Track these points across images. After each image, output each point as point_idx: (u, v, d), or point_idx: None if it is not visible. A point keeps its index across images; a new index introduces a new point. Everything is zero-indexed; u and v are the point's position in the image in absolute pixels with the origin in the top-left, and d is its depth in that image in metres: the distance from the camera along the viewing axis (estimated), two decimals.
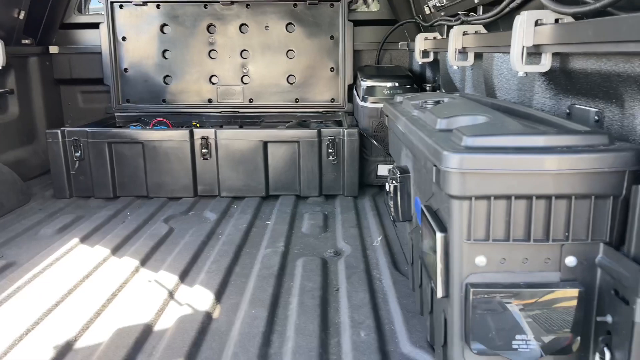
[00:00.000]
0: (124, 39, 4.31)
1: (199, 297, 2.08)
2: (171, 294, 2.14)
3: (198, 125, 4.25)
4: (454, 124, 1.44)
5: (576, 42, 1.42)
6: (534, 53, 1.68)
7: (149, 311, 1.96)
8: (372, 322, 1.87)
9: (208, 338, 1.82)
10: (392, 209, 1.87)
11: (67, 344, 1.76)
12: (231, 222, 3.02)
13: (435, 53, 3.55)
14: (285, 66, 4.38)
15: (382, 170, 3.68)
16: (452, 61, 2.57)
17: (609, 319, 1.23)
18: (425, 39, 3.53)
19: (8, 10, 3.80)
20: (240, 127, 4.31)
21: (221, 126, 4.22)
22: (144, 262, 2.47)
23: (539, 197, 1.20)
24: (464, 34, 2.52)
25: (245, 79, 4.41)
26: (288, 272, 2.35)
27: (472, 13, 2.57)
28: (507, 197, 1.21)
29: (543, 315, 1.24)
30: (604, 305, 1.25)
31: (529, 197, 1.21)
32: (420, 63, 3.63)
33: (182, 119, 4.29)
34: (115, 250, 2.62)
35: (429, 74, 3.91)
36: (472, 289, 1.23)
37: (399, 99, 2.28)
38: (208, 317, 1.94)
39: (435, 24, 3.39)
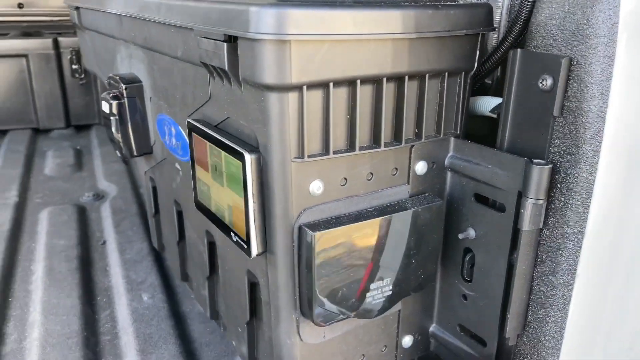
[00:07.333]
0: None
1: None
2: None
3: None
4: None
5: None
6: None
7: None
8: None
9: None
10: (120, 141, 1.28)
11: None
12: None
13: None
14: None
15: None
16: None
17: (471, 233, 0.96)
18: None
19: None
20: None
21: None
22: None
23: (390, 78, 0.80)
24: None
25: None
26: (27, 230, 1.65)
27: None
28: (351, 82, 0.78)
29: (398, 246, 0.89)
30: (460, 217, 0.96)
31: (377, 80, 0.80)
32: None
33: None
34: None
35: None
36: (313, 233, 0.79)
37: None
38: None
39: None
